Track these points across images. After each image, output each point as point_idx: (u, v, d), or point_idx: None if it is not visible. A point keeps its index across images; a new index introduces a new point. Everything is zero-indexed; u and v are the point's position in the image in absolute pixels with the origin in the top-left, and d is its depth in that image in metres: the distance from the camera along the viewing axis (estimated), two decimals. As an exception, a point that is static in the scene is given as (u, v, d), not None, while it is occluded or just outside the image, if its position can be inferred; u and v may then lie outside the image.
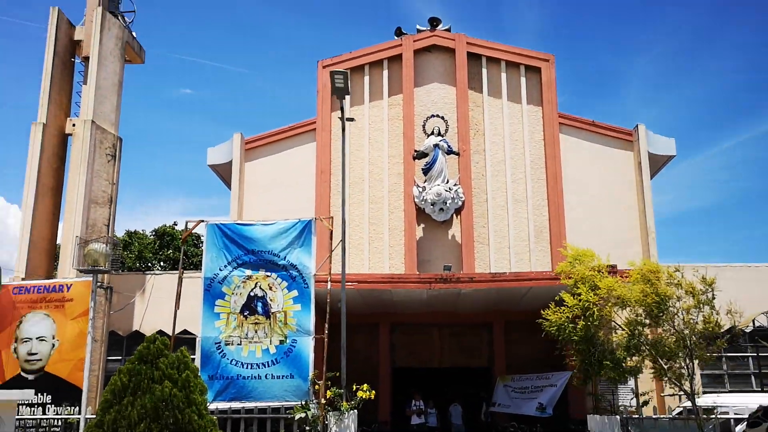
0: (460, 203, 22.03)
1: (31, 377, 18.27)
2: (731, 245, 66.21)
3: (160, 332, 20.55)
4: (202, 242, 18.17)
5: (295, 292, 13.24)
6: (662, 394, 18.79)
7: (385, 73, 23.15)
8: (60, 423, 15.92)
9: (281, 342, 13.04)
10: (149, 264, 32.53)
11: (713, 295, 11.40)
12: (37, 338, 18.46)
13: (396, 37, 23.32)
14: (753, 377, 20.48)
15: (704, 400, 14.89)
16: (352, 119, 15.18)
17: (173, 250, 30.89)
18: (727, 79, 66.80)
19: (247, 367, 12.96)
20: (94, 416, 9.53)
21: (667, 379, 11.97)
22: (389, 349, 22.14)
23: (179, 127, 73.13)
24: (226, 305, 13.27)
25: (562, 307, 12.69)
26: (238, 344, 13.06)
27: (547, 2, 70.73)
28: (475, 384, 22.56)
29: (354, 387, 12.73)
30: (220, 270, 13.43)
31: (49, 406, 17.85)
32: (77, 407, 15.37)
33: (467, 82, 22.82)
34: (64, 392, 17.70)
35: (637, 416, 12.37)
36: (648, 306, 11.38)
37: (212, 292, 13.33)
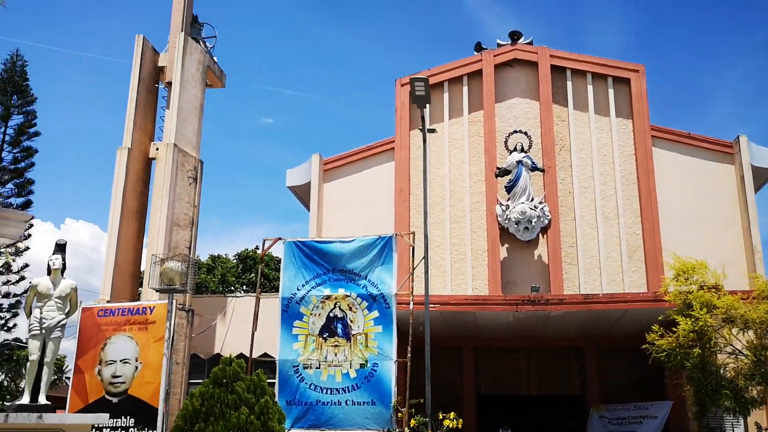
0: (546, 222, 20.72)
1: (114, 400, 17.96)
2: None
3: (241, 356, 20.15)
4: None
5: (376, 313, 12.34)
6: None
7: (465, 89, 22.22)
8: (136, 447, 15.45)
9: (362, 366, 12.13)
10: (232, 288, 32.44)
11: None
12: (120, 361, 18.17)
13: (476, 53, 22.41)
14: None
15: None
16: (433, 130, 14.30)
17: (255, 273, 30.67)
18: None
19: (326, 392, 12.10)
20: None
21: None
22: (474, 375, 20.88)
23: (261, 155, 74.25)
24: (305, 326, 12.50)
25: (671, 330, 11.24)
26: (317, 368, 12.23)
27: (628, 18, 68.37)
28: (565, 413, 20.95)
29: (440, 415, 11.66)
30: (298, 289, 12.69)
31: (132, 429, 17.52)
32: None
33: (551, 95, 21.61)
34: (146, 415, 17.28)
35: (761, 454, 10.74)
36: (772, 327, 9.84)
37: (290, 313, 12.59)
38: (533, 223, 20.62)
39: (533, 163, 21.01)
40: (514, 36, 22.33)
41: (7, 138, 26.60)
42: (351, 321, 12.35)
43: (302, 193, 23.03)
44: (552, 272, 20.41)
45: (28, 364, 11.09)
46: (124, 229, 19.51)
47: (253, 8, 73.77)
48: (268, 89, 74.96)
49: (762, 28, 64.18)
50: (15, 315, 26.12)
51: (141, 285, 21.42)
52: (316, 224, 21.38)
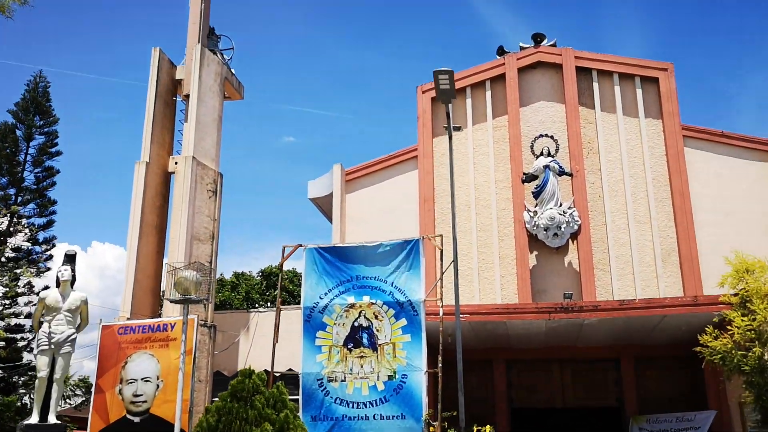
0: (575, 227, 19.70)
1: (137, 419, 17.18)
2: None
3: (265, 372, 19.37)
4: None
5: (403, 321, 11.44)
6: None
7: (488, 94, 21.37)
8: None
9: (390, 377, 11.21)
10: (256, 305, 31.73)
11: None
12: (142, 379, 17.44)
13: (498, 57, 21.59)
14: None
15: None
16: (459, 128, 13.48)
17: (280, 290, 29.85)
18: None
19: (353, 407, 11.19)
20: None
21: None
22: (506, 388, 19.79)
23: (284, 173, 73.84)
24: (328, 337, 11.62)
25: (726, 331, 10.19)
26: (342, 380, 11.33)
27: (649, 19, 67.08)
28: (603, 426, 19.76)
29: (475, 428, 10.69)
30: (321, 298, 11.83)
31: (155, 448, 16.73)
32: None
33: (577, 97, 20.68)
34: (169, 435, 16.56)
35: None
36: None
37: (312, 323, 11.73)
38: (562, 229, 19.62)
39: (561, 167, 20.06)
40: (537, 38, 21.49)
41: (29, 158, 26.22)
42: (377, 330, 11.46)
43: (324, 205, 22.28)
44: (584, 279, 19.35)
45: (37, 381, 10.40)
46: (144, 245, 18.86)
47: (271, 27, 73.89)
48: (289, 108, 74.78)
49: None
50: (37, 336, 25.56)
51: (162, 302, 20.76)
52: (339, 236, 20.55)
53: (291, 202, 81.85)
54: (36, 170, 26.20)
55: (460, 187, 20.99)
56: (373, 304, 11.58)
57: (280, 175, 73.54)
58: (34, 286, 24.98)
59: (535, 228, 19.80)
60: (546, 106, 21.08)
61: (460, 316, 16.73)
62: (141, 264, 18.70)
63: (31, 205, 26.07)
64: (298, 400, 11.69)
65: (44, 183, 26.26)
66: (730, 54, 65.78)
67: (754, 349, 9.48)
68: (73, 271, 10.65)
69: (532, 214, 19.92)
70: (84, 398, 31.26)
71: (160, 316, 19.88)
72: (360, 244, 12.40)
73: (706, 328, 10.55)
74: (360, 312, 11.59)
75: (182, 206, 18.60)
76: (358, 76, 76.52)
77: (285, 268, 32.35)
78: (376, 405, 11.07)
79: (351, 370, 11.33)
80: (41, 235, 26.02)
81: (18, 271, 21.83)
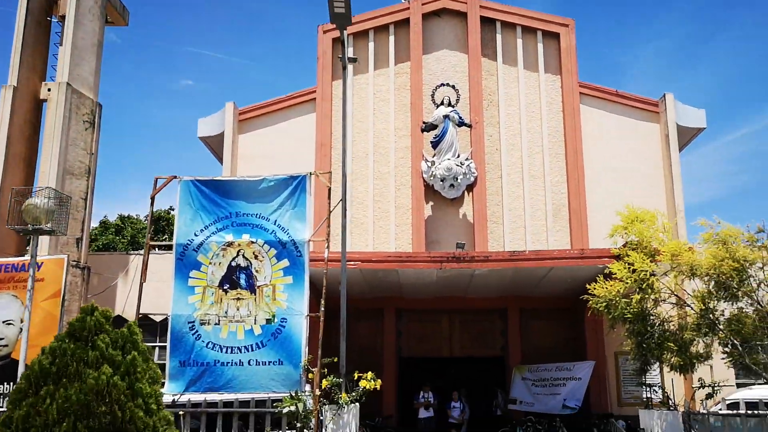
0: (472, 179, 19.25)
1: (-4, 365, 15.58)
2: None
3: (145, 317, 17.92)
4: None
5: (285, 262, 10.44)
6: (693, 387, 15.95)
7: (392, 39, 20.35)
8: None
9: (268, 321, 10.25)
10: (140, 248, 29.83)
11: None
12: (3, 322, 15.70)
13: (403, 1, 20.55)
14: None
15: (743, 394, 12.10)
16: (355, 59, 12.41)
17: (169, 235, 28.17)
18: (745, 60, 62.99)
19: (226, 351, 10.18)
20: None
21: (739, 366, 9.21)
22: (395, 337, 19.35)
23: (180, 116, 70.07)
24: (203, 277, 10.49)
25: (612, 281, 9.88)
26: (216, 324, 10.27)
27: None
28: (488, 375, 19.76)
29: (356, 375, 9.96)
30: (196, 235, 10.64)
31: (15, 396, 15.15)
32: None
33: (480, 48, 20.02)
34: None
35: (704, 412, 9.53)
36: (723, 275, 8.56)
37: (186, 262, 10.55)
38: (459, 181, 19.13)
39: (460, 118, 19.45)
40: (443, -16, 20.57)
41: None
42: (257, 271, 10.42)
43: (215, 145, 20.75)
44: (477, 231, 19.01)
45: None
46: (9, 177, 16.79)
47: (177, -29, 69.29)
48: (187, 50, 70.52)
49: None
50: None
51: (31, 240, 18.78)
52: (229, 177, 19.18)
53: (186, 145, 78.15)
54: None
55: (358, 133, 20.06)
56: (253, 243, 10.51)
57: (176, 119, 69.63)
58: None
59: (432, 178, 19.20)
60: (449, 55, 20.32)
61: (352, 263, 16.00)
62: (4, 199, 16.66)
63: None
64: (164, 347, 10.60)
65: None
66: (628, 22, 67.05)
67: (635, 297, 9.16)
68: None
69: (429, 164, 19.29)
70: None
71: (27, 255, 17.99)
72: (241, 178, 11.24)
73: (597, 277, 10.22)
74: (238, 251, 10.51)
75: (54, 136, 16.65)
76: (260, 19, 73.15)
77: (174, 214, 30.55)
78: (252, 350, 10.12)
79: (226, 312, 10.28)
80: None
81: None
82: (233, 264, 10.51)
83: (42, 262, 15.99)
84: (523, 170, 19.53)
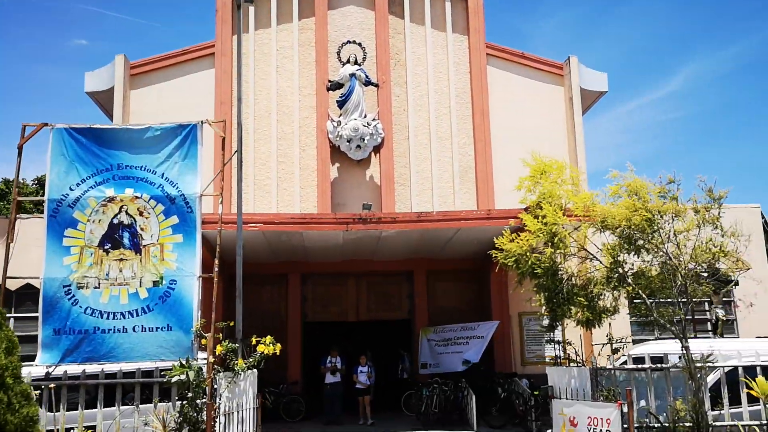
0: (379, 140, 18.52)
1: None
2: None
3: (28, 285, 16.21)
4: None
5: (174, 219, 9.32)
6: (593, 344, 16.08)
7: (296, -8, 19.15)
8: None
9: (155, 284, 9.14)
10: (30, 212, 27.44)
11: (719, 212, 8.34)
12: None
13: (307, -48, 19.30)
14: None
15: (646, 349, 12.15)
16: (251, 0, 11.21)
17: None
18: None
19: (108, 318, 9.01)
20: None
21: (647, 320, 9.01)
22: (300, 302, 18.52)
23: (76, 78, 65.26)
24: (80, 236, 9.21)
25: (521, 235, 9.41)
26: (96, 287, 9.06)
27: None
28: (395, 338, 19.31)
29: (254, 340, 9.07)
30: (71, 190, 9.31)
31: None
32: None
33: (387, 5, 19.14)
34: None
35: (610, 367, 9.31)
36: (635, 227, 8.22)
37: (60, 219, 9.23)
38: (366, 141, 18.34)
39: (367, 76, 18.59)
40: (350, -63, 19.46)
41: None
42: (142, 229, 9.24)
43: (105, 102, 18.94)
44: (384, 193, 18.35)
45: None
46: None
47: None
48: (80, 7, 65.39)
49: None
50: None
51: None
52: (120, 135, 17.53)
53: (78, 104, 73.20)
54: None
55: (260, 91, 18.84)
56: (137, 198, 9.31)
57: (67, 79, 64.69)
58: None
59: (338, 139, 18.32)
60: (355, 11, 19.32)
61: (254, 225, 14.96)
62: None
63: None
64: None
65: None
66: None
67: (546, 251, 8.73)
68: None
69: (335, 125, 18.38)
70: None
71: None
72: (123, 126, 9.96)
73: (503, 231, 9.74)
74: (121, 207, 9.28)
75: None
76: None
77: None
78: (137, 315, 9.00)
79: (107, 275, 9.08)
80: None
81: None
82: (115, 221, 9.29)
83: None
84: (431, 132, 18.97)
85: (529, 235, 8.70)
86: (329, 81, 18.59)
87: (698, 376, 8.25)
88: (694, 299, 8.64)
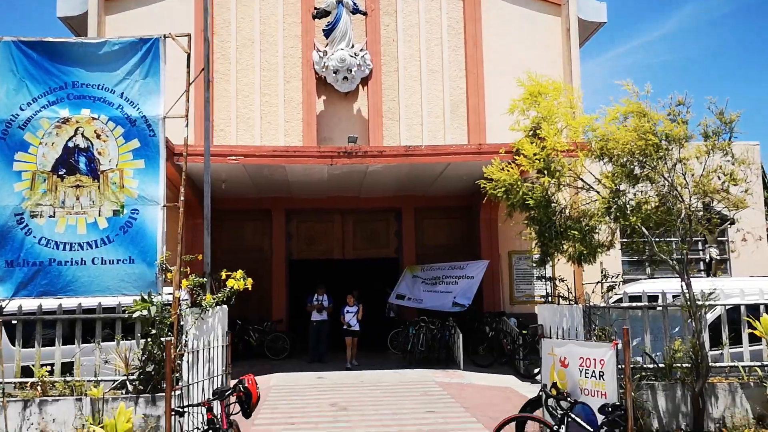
0: (367, 72, 17.40)
1: None
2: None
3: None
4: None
5: (135, 143, 8.38)
6: (582, 283, 15.43)
7: None
8: None
9: (116, 213, 8.27)
10: None
11: (731, 137, 7.43)
12: None
13: None
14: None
15: (642, 287, 11.42)
16: None
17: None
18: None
19: (64, 249, 8.17)
20: None
21: (646, 257, 8.26)
22: (285, 240, 17.75)
23: (47, 4, 62.33)
24: (32, 160, 8.27)
25: (515, 163, 8.52)
26: (51, 216, 8.19)
27: None
28: (381, 276, 18.66)
29: (223, 275, 8.27)
30: (22, 109, 8.32)
31: None
32: None
33: (377, -73, 17.72)
34: None
35: (604, 305, 8.58)
36: (641, 151, 7.32)
37: (9, 142, 8.27)
38: (353, 73, 17.22)
39: (355, 4, 17.34)
40: None
41: None
42: (99, 153, 8.31)
43: (78, 28, 17.61)
44: (372, 127, 17.35)
45: None
46: None
47: None
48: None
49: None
50: None
51: None
52: (93, 62, 16.33)
53: (51, 32, 70.64)
54: None
55: (243, 19, 17.57)
56: (94, 119, 8.34)
57: (42, 4, 61.91)
58: None
59: (324, 70, 17.19)
60: (343, -67, 17.85)
61: (234, 158, 14.00)
62: None
63: None
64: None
65: None
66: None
67: (542, 180, 7.86)
68: None
69: (321, 55, 17.22)
70: None
71: None
72: (78, 39, 8.86)
73: (492, 159, 8.84)
74: (77, 129, 8.32)
75: None
76: None
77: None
78: (96, 246, 8.16)
79: (63, 203, 8.20)
80: None
81: None
82: (70, 144, 8.33)
83: None
84: (421, 64, 17.83)
85: (524, 160, 7.79)
86: (315, 8, 17.36)
87: (698, 315, 7.51)
88: (695, 235, 7.81)
